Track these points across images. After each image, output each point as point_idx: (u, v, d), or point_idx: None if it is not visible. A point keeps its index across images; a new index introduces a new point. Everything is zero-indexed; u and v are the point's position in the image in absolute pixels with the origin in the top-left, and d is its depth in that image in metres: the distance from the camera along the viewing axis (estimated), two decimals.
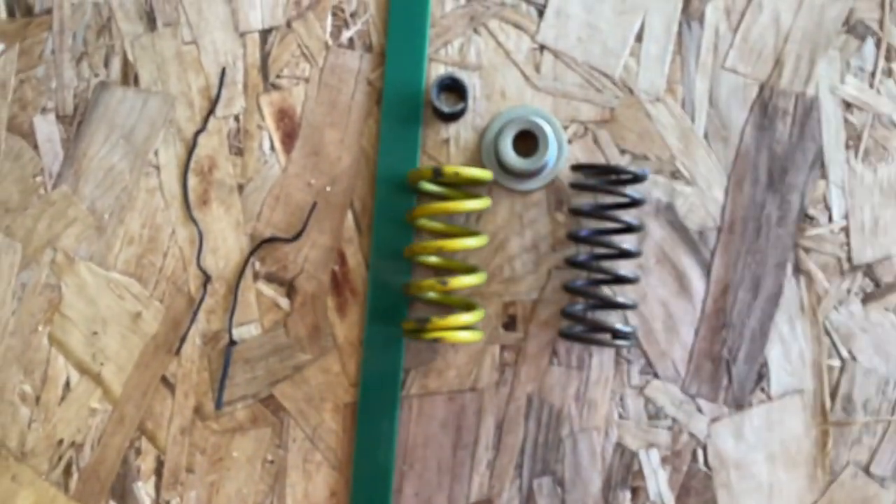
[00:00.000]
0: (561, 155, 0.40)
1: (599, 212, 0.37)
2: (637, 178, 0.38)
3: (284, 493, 0.41)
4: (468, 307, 0.39)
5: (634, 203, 0.37)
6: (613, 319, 0.39)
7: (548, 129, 0.39)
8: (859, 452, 0.39)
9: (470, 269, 0.39)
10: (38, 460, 0.42)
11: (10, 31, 0.43)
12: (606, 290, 0.39)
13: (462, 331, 0.37)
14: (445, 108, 0.38)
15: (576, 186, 0.38)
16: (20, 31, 0.43)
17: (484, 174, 0.38)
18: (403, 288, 0.39)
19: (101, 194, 0.42)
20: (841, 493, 0.39)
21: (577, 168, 0.38)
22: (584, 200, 0.39)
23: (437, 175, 0.36)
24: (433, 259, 0.39)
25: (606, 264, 0.38)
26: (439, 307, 0.40)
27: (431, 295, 0.39)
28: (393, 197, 0.40)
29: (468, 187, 0.40)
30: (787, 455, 0.39)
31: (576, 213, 0.38)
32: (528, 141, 0.39)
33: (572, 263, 0.38)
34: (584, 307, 0.38)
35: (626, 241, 0.38)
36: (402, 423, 0.41)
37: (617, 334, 0.38)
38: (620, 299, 0.38)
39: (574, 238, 0.38)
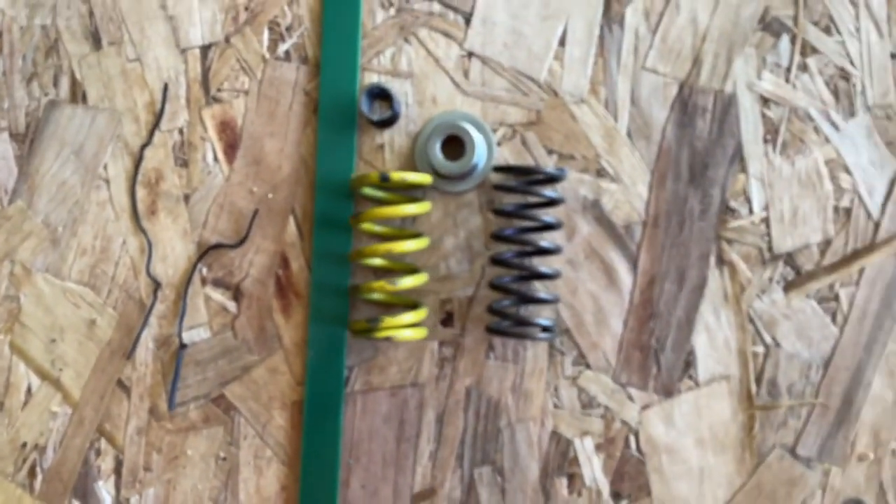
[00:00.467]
0: (491, 157, 0.41)
1: (521, 211, 0.39)
2: (553, 179, 0.39)
3: (237, 488, 0.43)
4: (413, 306, 0.40)
5: (552, 202, 0.39)
6: (545, 313, 0.41)
7: (474, 132, 0.40)
8: (785, 435, 0.41)
9: (412, 270, 0.40)
10: (4, 463, 0.44)
11: None
12: (536, 285, 0.41)
13: (409, 329, 0.39)
14: (374, 117, 0.40)
15: (498, 188, 0.40)
16: None
17: (425, 178, 0.39)
18: (352, 290, 0.40)
19: (54, 208, 0.44)
20: (768, 474, 0.41)
21: (499, 170, 0.40)
22: (510, 201, 0.41)
23: (383, 180, 0.38)
24: (377, 261, 0.40)
25: (529, 261, 0.39)
26: (384, 307, 0.42)
27: (377, 296, 0.40)
28: (332, 202, 0.42)
29: (407, 191, 0.41)
30: (715, 439, 0.41)
31: (499, 213, 0.40)
32: (456, 145, 0.40)
33: (497, 262, 0.39)
34: (510, 303, 0.40)
35: (547, 240, 0.39)
36: (347, 419, 0.42)
37: (540, 328, 0.39)
38: (543, 295, 0.39)
39: (498, 238, 0.39)
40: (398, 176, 0.38)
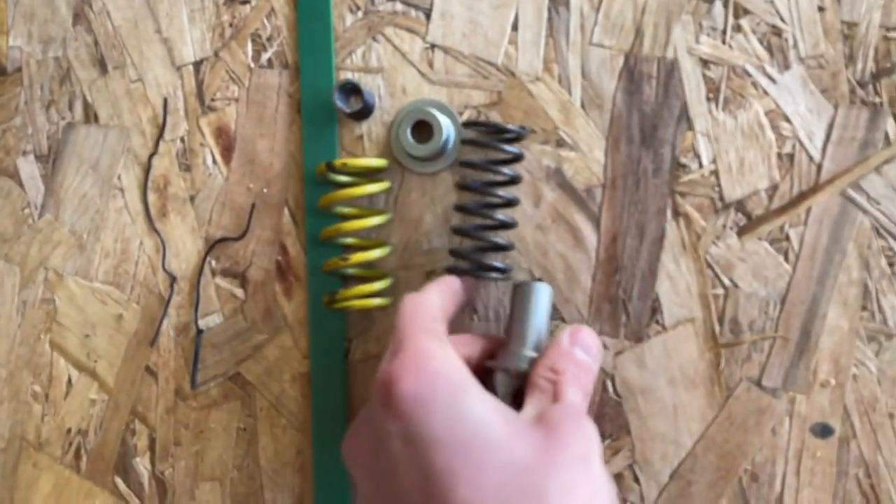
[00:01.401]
0: (458, 136, 0.45)
1: (484, 188, 0.42)
2: (518, 137, 0.43)
3: (258, 454, 0.47)
4: (379, 278, 0.44)
5: (516, 158, 0.42)
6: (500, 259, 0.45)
7: (440, 115, 0.44)
8: (750, 369, 0.44)
9: (379, 245, 0.45)
10: (53, 448, 0.49)
11: None
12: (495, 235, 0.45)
13: (374, 298, 0.43)
14: (348, 110, 0.44)
15: (466, 142, 0.43)
16: None
17: (377, 162, 0.43)
18: (323, 266, 0.45)
19: (78, 218, 0.49)
20: (738, 406, 0.44)
21: (468, 124, 0.43)
22: (475, 178, 0.44)
23: (330, 169, 0.42)
24: (349, 240, 0.45)
25: (489, 232, 0.43)
26: (358, 280, 0.46)
27: (350, 271, 0.45)
28: (318, 191, 0.46)
29: (372, 174, 0.45)
30: (686, 378, 0.44)
31: (464, 188, 0.43)
32: (426, 128, 0.44)
33: (461, 209, 0.43)
34: (469, 249, 0.43)
35: (507, 214, 0.43)
36: (350, 386, 0.46)
37: (494, 269, 0.42)
38: (499, 240, 0.43)
39: (461, 209, 0.43)
40: (340, 162, 0.42)
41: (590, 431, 0.32)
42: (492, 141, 0.42)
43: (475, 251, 0.43)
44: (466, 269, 0.42)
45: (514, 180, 0.43)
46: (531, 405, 0.34)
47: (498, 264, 0.43)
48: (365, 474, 0.34)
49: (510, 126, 0.42)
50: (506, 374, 0.38)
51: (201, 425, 0.48)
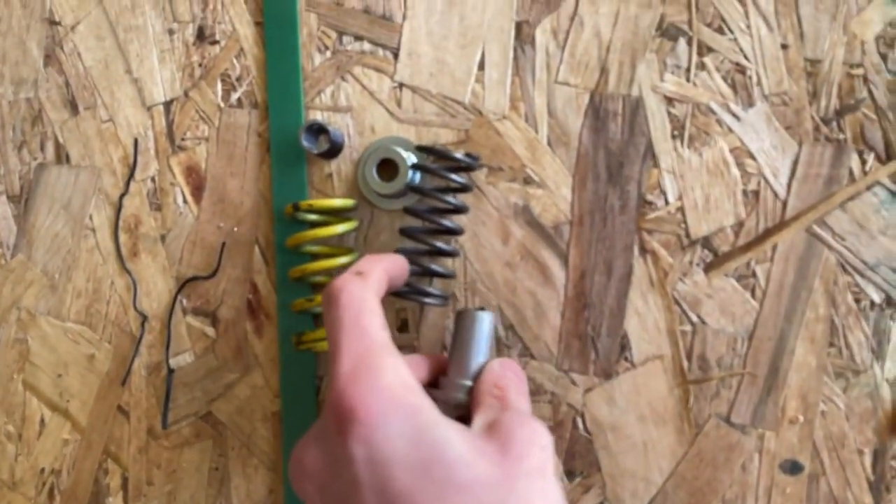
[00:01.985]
0: (425, 174, 0.45)
1: (433, 194, 0.42)
2: (468, 167, 0.43)
3: (230, 494, 0.47)
4: None
5: (464, 188, 0.43)
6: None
7: (406, 153, 0.44)
8: (719, 405, 0.43)
9: None
10: (26, 488, 0.49)
11: None
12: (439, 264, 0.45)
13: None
14: (315, 149, 0.44)
15: (417, 167, 0.43)
16: None
17: (343, 203, 0.44)
18: (290, 307, 0.45)
19: (50, 258, 0.49)
20: (707, 442, 0.44)
21: (421, 149, 0.43)
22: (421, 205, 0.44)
23: (296, 209, 0.43)
24: (318, 278, 0.45)
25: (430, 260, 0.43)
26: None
27: (318, 309, 0.45)
28: (288, 230, 0.46)
29: (341, 213, 0.45)
30: (655, 414, 0.44)
31: (411, 213, 0.43)
32: (391, 166, 0.44)
33: (405, 232, 0.43)
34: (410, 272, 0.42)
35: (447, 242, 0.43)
36: None
37: (430, 295, 0.42)
38: (438, 268, 0.42)
39: (404, 233, 0.43)
40: (306, 204, 0.42)
41: (542, 436, 0.32)
42: (440, 169, 0.42)
43: (414, 275, 0.42)
44: (403, 292, 0.42)
45: (458, 210, 0.43)
46: (480, 417, 0.34)
47: (434, 290, 0.43)
48: (318, 497, 0.33)
49: (459, 155, 0.42)
50: (446, 405, 0.37)
51: (173, 465, 0.47)
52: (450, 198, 0.42)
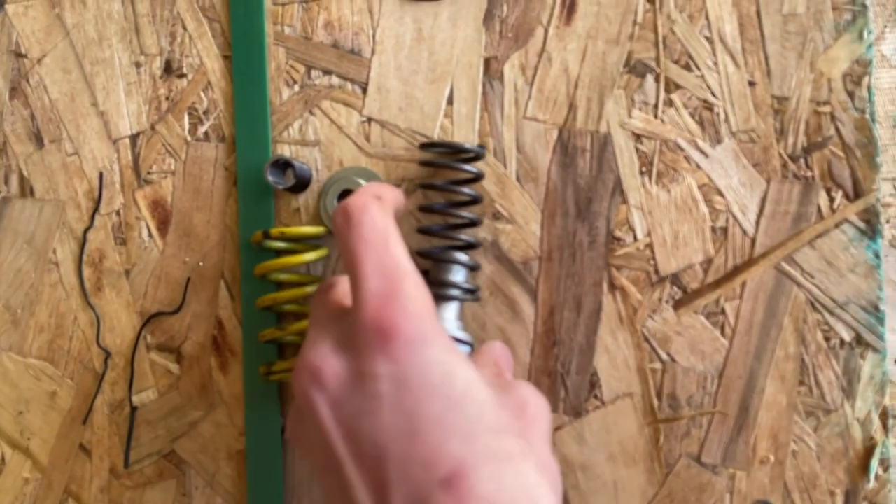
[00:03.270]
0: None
1: (449, 188, 0.42)
2: (476, 156, 0.42)
3: None
4: None
5: (476, 178, 0.42)
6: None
7: (364, 183, 0.44)
8: (690, 444, 0.43)
9: None
10: None
11: None
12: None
13: None
14: (280, 185, 0.43)
15: (425, 164, 0.42)
16: None
17: (314, 230, 0.43)
18: (258, 337, 0.44)
19: (13, 293, 0.48)
20: (677, 482, 0.43)
21: (425, 146, 0.42)
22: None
23: (266, 237, 0.42)
24: (287, 307, 0.44)
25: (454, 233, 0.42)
26: (296, 349, 0.44)
27: (288, 338, 0.43)
28: (255, 262, 0.45)
29: (311, 241, 0.44)
30: (625, 454, 0.43)
31: (426, 209, 0.42)
32: None
33: (425, 231, 0.42)
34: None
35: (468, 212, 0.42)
36: (287, 463, 0.45)
37: (468, 290, 0.41)
38: (465, 259, 0.41)
39: (425, 232, 0.42)
40: (277, 231, 0.41)
41: (548, 407, 0.34)
42: (450, 162, 0.42)
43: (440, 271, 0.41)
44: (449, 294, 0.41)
45: (475, 200, 0.42)
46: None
47: (470, 286, 0.41)
48: (327, 410, 0.30)
49: (468, 145, 0.42)
50: None
51: None
52: (465, 189, 0.41)
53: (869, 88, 0.41)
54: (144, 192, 0.47)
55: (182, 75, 0.46)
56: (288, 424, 0.35)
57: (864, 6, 0.41)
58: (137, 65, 0.47)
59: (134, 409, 0.46)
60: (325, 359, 0.31)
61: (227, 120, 0.46)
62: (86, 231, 0.47)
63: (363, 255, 0.31)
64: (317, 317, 0.34)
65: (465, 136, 0.44)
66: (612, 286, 0.43)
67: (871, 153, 0.41)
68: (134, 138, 0.47)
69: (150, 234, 0.46)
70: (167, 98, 0.47)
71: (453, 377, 0.29)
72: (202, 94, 0.46)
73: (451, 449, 0.28)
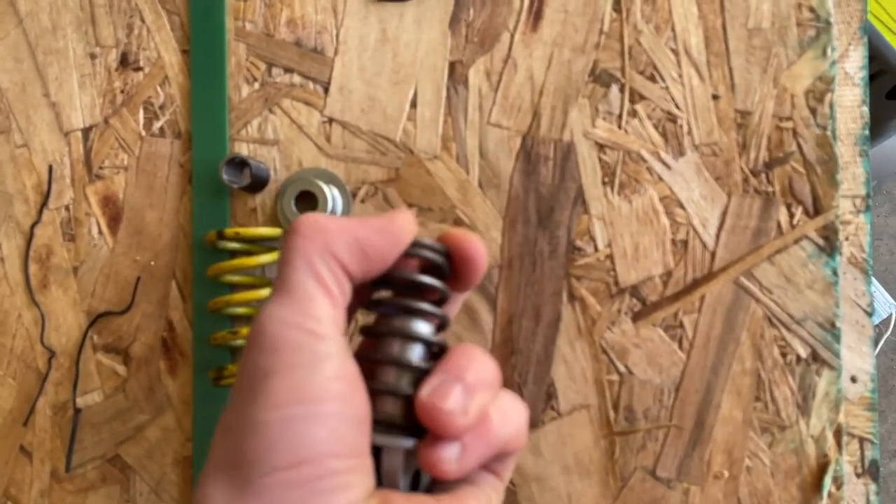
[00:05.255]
0: (348, 207, 0.43)
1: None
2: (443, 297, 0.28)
3: None
4: None
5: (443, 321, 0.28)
6: None
7: (326, 187, 0.42)
8: (645, 458, 0.42)
9: None
10: None
11: None
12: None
13: None
14: (236, 183, 0.42)
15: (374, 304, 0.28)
16: None
17: (271, 231, 0.41)
18: (210, 340, 0.42)
19: None
20: (632, 496, 0.42)
21: (377, 284, 0.28)
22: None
23: (220, 237, 0.40)
24: (240, 310, 0.42)
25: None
26: None
27: (239, 342, 0.42)
28: (208, 263, 0.43)
29: (266, 243, 0.43)
30: (580, 466, 0.42)
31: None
32: (311, 199, 0.42)
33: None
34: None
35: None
36: None
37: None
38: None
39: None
40: (231, 231, 0.39)
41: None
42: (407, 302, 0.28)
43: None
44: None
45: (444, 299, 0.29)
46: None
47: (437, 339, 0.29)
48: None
49: (429, 280, 0.28)
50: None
51: None
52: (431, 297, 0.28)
53: (831, 105, 0.41)
54: (95, 188, 0.45)
55: (138, 68, 0.45)
56: None
57: (829, 23, 0.41)
58: (92, 56, 0.45)
59: (78, 411, 0.44)
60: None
61: (184, 116, 0.44)
62: (33, 226, 0.45)
63: (282, 266, 0.26)
64: None
65: (429, 140, 0.43)
66: (572, 296, 0.42)
67: (832, 170, 0.41)
68: (86, 132, 0.45)
69: (101, 231, 0.45)
70: (122, 91, 0.45)
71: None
72: (159, 89, 0.45)
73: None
